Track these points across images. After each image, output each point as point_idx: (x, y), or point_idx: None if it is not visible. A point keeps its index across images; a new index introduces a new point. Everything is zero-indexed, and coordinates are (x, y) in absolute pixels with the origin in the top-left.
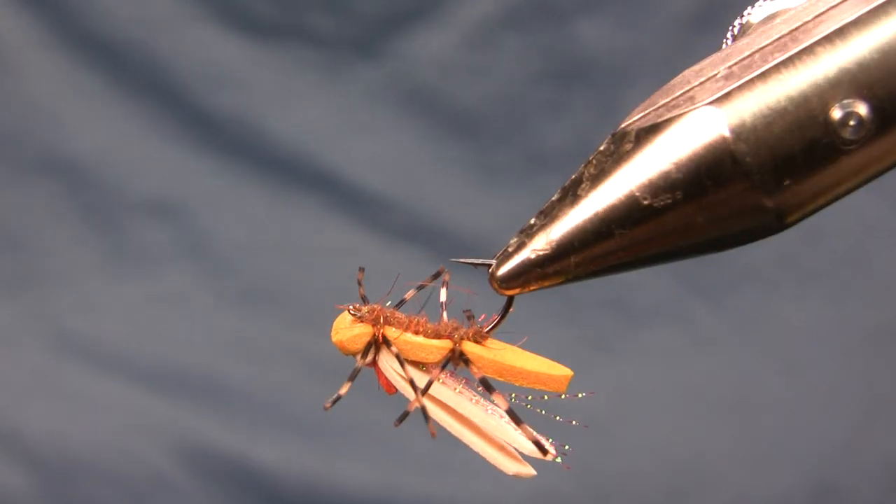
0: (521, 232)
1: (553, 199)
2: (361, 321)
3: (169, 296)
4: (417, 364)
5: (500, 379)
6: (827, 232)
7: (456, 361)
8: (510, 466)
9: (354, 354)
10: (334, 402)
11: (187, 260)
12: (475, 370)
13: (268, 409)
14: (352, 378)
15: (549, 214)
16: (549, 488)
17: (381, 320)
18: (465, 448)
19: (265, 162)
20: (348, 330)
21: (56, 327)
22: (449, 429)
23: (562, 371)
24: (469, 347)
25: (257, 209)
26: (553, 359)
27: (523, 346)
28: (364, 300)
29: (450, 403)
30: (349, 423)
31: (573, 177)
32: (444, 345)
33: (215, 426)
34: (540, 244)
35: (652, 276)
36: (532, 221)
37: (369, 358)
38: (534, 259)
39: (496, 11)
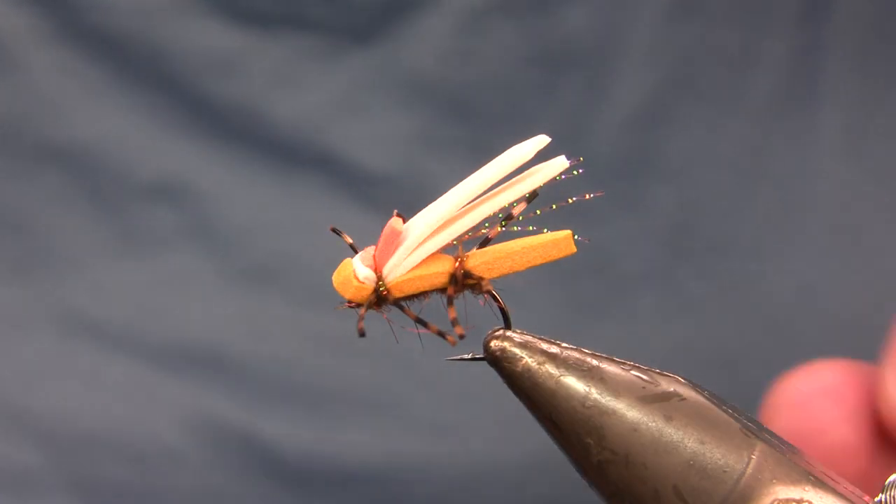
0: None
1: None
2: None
3: (175, 276)
4: (426, 293)
5: (512, 271)
6: (807, 200)
7: (461, 283)
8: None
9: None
10: None
11: (192, 241)
12: (484, 283)
13: (273, 383)
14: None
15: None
16: (552, 451)
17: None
18: (467, 412)
19: (266, 145)
20: (350, 286)
21: (65, 308)
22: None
23: (562, 233)
24: (471, 259)
25: (260, 190)
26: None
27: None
28: (353, 248)
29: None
30: (351, 394)
31: None
32: (446, 266)
33: (222, 400)
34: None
35: (634, 244)
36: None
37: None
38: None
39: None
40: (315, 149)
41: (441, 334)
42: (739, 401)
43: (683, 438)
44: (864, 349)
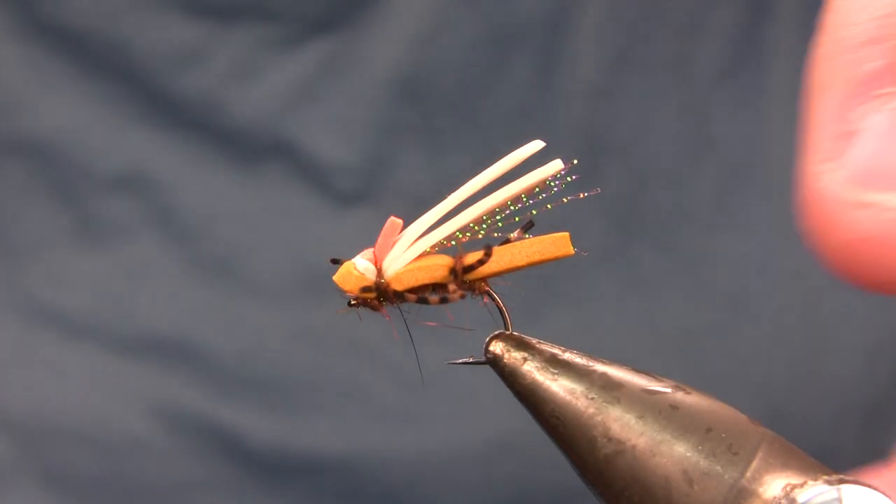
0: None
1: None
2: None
3: (137, 266)
4: (425, 289)
5: (512, 265)
6: (758, 169)
7: (461, 276)
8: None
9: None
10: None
11: (154, 231)
12: (481, 284)
13: (237, 372)
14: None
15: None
16: (514, 434)
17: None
18: (430, 400)
19: (226, 135)
20: (350, 276)
21: (28, 299)
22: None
23: (559, 234)
24: (470, 255)
25: (220, 180)
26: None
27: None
28: None
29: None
30: (315, 383)
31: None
32: (446, 260)
33: (187, 389)
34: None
35: (586, 222)
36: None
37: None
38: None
39: None
40: (275, 138)
41: (444, 300)
42: (698, 379)
43: (691, 424)
44: (820, 320)
